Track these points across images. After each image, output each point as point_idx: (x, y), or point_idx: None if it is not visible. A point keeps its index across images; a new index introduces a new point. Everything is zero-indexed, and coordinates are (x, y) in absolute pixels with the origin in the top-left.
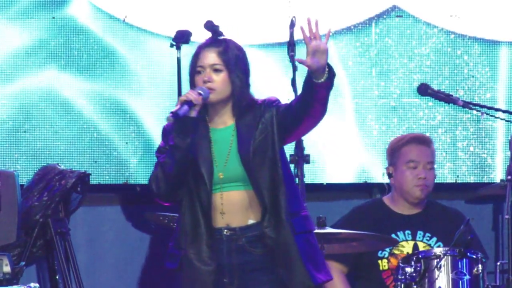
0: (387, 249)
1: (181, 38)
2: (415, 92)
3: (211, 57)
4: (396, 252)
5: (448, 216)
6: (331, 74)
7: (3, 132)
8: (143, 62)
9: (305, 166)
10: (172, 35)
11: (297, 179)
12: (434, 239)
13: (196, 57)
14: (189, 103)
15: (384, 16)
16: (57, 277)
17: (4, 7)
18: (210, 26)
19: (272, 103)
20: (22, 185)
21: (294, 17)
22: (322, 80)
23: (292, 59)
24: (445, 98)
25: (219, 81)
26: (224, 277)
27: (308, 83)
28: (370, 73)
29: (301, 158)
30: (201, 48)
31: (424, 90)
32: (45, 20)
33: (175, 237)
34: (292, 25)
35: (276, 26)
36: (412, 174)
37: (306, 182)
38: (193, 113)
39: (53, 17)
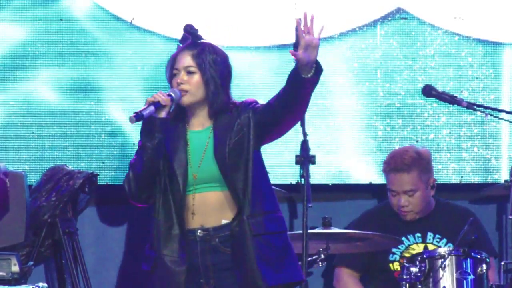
0: (398, 252)
1: (188, 39)
2: (419, 94)
3: (185, 60)
4: (406, 255)
5: (457, 215)
6: (319, 69)
7: (11, 133)
8: (150, 63)
9: (311, 166)
10: (179, 36)
11: (302, 179)
12: (444, 240)
13: (172, 60)
14: (156, 104)
15: (389, 18)
16: (65, 277)
17: (13, 8)
18: (188, 29)
19: (248, 105)
20: (30, 186)
21: (299, 19)
22: (309, 75)
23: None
24: (450, 99)
25: (192, 83)
26: (200, 278)
27: (294, 77)
28: (375, 74)
29: (307, 159)
30: (178, 52)
31: (428, 91)
32: (53, 22)
33: (150, 239)
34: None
35: (282, 28)
36: (394, 200)
37: (311, 182)
38: (162, 114)
39: (61, 19)
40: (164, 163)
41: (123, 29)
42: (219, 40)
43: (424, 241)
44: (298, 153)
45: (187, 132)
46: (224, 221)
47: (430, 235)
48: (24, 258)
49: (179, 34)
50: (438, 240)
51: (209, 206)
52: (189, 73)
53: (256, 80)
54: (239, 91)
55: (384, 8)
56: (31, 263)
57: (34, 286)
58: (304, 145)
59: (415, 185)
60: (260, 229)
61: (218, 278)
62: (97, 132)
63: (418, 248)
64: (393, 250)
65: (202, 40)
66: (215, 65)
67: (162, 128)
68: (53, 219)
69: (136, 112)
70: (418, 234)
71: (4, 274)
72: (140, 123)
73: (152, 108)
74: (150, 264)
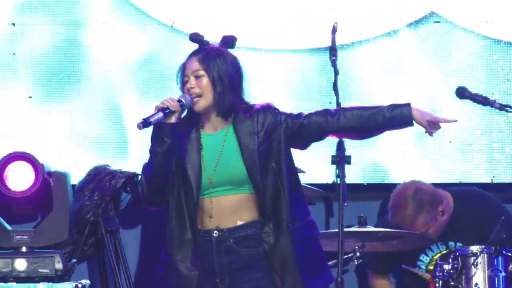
0: (423, 266)
1: (227, 43)
2: (453, 95)
3: (192, 65)
4: (431, 268)
5: (477, 219)
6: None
7: (56, 134)
8: None
9: (346, 166)
10: (218, 40)
11: (338, 179)
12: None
13: (182, 68)
14: (165, 110)
15: (423, 22)
16: (107, 274)
17: (55, 13)
18: (194, 36)
19: (269, 109)
20: (73, 185)
21: (336, 23)
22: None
23: (333, 63)
24: (482, 101)
25: (202, 86)
26: (215, 277)
27: (391, 124)
28: (409, 76)
29: (343, 159)
30: (186, 59)
31: (462, 93)
32: (94, 25)
33: (164, 244)
34: (334, 30)
35: (318, 31)
36: None
37: (347, 182)
38: (172, 119)
39: (103, 23)
40: (177, 168)
41: (163, 33)
42: (255, 43)
43: (447, 249)
44: (334, 154)
45: (201, 136)
46: (239, 222)
47: (451, 244)
48: (67, 256)
49: (217, 37)
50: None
51: (226, 209)
52: (198, 77)
53: (288, 83)
54: (275, 94)
55: (418, 12)
56: (74, 260)
57: (77, 283)
58: (340, 145)
59: (425, 227)
60: (301, 235)
61: (232, 278)
62: (138, 134)
63: None
64: (418, 263)
65: (209, 45)
66: (221, 66)
67: (171, 134)
68: (96, 218)
69: (143, 119)
70: (441, 243)
71: (48, 271)
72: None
73: (160, 114)
74: (164, 268)
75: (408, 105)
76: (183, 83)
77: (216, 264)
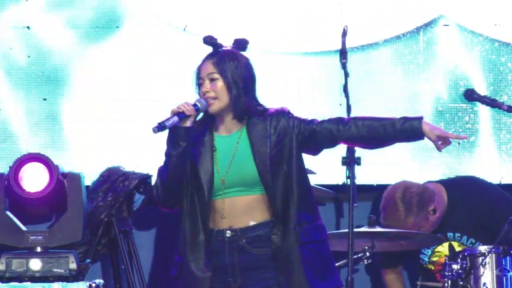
0: (426, 258)
1: (239, 46)
2: (461, 97)
3: (207, 68)
4: (434, 259)
5: (472, 206)
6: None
7: (70, 135)
8: None
9: (356, 167)
10: (230, 43)
11: (348, 180)
12: (465, 237)
13: (198, 71)
14: (181, 115)
15: (432, 25)
16: (121, 274)
17: (70, 16)
18: (208, 40)
19: (283, 113)
20: (87, 186)
21: (346, 26)
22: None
23: (344, 66)
24: (490, 102)
25: (216, 90)
26: (228, 277)
27: (401, 136)
28: (418, 79)
29: (353, 160)
30: (201, 62)
31: (470, 95)
32: (108, 29)
33: (177, 245)
34: (344, 34)
35: (329, 34)
36: None
37: (357, 183)
38: (187, 123)
39: (117, 26)
40: (191, 170)
41: (176, 36)
42: (266, 46)
43: (446, 239)
44: (344, 155)
45: (214, 138)
46: (252, 223)
47: (450, 235)
48: (81, 256)
49: (229, 41)
50: (459, 237)
51: (238, 209)
52: (212, 80)
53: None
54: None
55: (427, 16)
56: (88, 260)
57: (91, 283)
58: (350, 147)
59: (416, 227)
60: (307, 237)
61: (244, 278)
62: (151, 136)
63: (443, 248)
64: (421, 256)
65: (223, 48)
66: (236, 69)
67: (186, 137)
68: (109, 218)
69: (159, 123)
70: (439, 234)
71: (63, 271)
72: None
73: (175, 118)
74: (176, 270)
75: (419, 118)
76: (199, 86)
77: (228, 264)
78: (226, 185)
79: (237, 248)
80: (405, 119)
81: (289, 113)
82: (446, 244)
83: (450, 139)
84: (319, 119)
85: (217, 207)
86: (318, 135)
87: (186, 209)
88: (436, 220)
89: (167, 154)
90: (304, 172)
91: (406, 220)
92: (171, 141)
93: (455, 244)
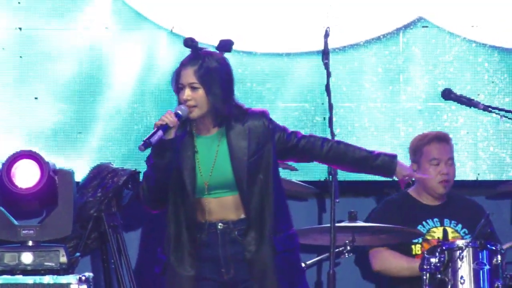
0: (420, 238)
1: (224, 46)
2: (439, 97)
3: (188, 76)
4: (428, 237)
5: (469, 205)
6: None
7: (61, 133)
8: None
9: None
10: (215, 44)
11: (330, 176)
12: (460, 225)
13: (177, 75)
14: (164, 127)
15: (411, 27)
16: (110, 267)
17: (58, 17)
18: (189, 42)
19: (264, 118)
20: (77, 182)
21: (328, 27)
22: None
23: (326, 66)
24: (467, 102)
25: (197, 98)
26: (221, 267)
27: (373, 172)
28: (398, 79)
29: None
30: (181, 66)
31: (447, 94)
32: (98, 30)
33: (162, 243)
34: (326, 35)
35: (311, 35)
36: (435, 171)
37: (339, 179)
38: (171, 134)
39: (106, 27)
40: (174, 172)
41: (164, 37)
42: (251, 46)
43: (442, 225)
44: None
45: (195, 138)
46: (243, 216)
47: (447, 221)
48: (71, 250)
49: (215, 41)
50: (454, 224)
51: (226, 207)
52: (193, 88)
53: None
54: (263, 94)
55: (406, 17)
56: (78, 254)
57: (80, 276)
58: None
59: (453, 154)
60: (282, 246)
61: (236, 268)
62: (140, 132)
63: (438, 231)
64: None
65: (204, 51)
66: (216, 78)
67: (171, 148)
68: (99, 213)
69: (144, 141)
70: (436, 219)
71: (53, 264)
72: None
73: (160, 132)
74: (160, 268)
75: (394, 158)
76: (178, 89)
77: (221, 255)
78: (209, 187)
79: (229, 240)
80: (380, 158)
81: (270, 119)
82: (441, 228)
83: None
84: (302, 133)
85: (204, 205)
86: (297, 151)
87: (170, 209)
88: (453, 175)
89: (153, 165)
90: (279, 181)
91: (450, 140)
92: (156, 153)
93: (449, 230)
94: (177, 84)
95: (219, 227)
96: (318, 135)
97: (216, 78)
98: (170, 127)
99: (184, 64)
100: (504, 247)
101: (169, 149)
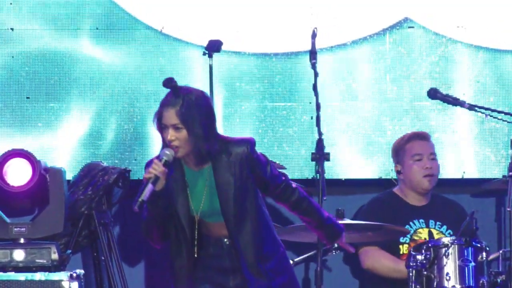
0: (408, 235)
1: (213, 47)
2: (425, 96)
3: (170, 117)
4: (415, 238)
5: (451, 206)
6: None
7: (52, 133)
8: (178, 69)
9: (326, 163)
10: (205, 44)
11: (318, 175)
12: (445, 227)
13: (159, 114)
14: (154, 179)
15: (397, 27)
16: (100, 264)
17: (51, 18)
18: (168, 83)
19: (248, 148)
20: (68, 181)
21: (315, 28)
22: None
23: (313, 66)
24: (453, 101)
25: (182, 139)
26: (229, 274)
27: (321, 234)
28: (384, 78)
29: (322, 156)
30: (163, 107)
31: (433, 94)
32: (91, 30)
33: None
34: (314, 35)
35: (299, 36)
36: (419, 166)
37: (326, 177)
38: (162, 183)
39: (97, 28)
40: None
41: (154, 37)
42: (240, 46)
43: (427, 226)
44: (314, 151)
45: (185, 172)
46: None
47: (431, 222)
48: (63, 247)
49: (204, 41)
50: (439, 226)
51: (225, 230)
52: (177, 128)
53: (269, 84)
54: (251, 93)
55: (393, 18)
56: (69, 251)
57: (72, 273)
58: (320, 143)
59: (434, 150)
60: (275, 272)
61: (243, 278)
62: (129, 131)
63: (424, 232)
64: (401, 237)
65: (183, 88)
66: (197, 115)
67: (163, 195)
68: (90, 211)
69: (137, 201)
70: (422, 220)
71: (45, 261)
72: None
73: (150, 186)
74: None
75: (340, 232)
76: (161, 129)
77: (228, 266)
78: (204, 218)
79: (236, 253)
80: (331, 227)
81: (253, 149)
82: (426, 229)
83: None
84: (283, 177)
85: (205, 229)
86: (269, 193)
87: (171, 242)
88: (437, 170)
89: (149, 212)
90: (263, 207)
91: (430, 138)
92: (150, 203)
93: (434, 231)
94: (160, 124)
95: (225, 241)
96: (297, 189)
97: (196, 117)
98: (159, 177)
99: (165, 104)
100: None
101: (161, 197)
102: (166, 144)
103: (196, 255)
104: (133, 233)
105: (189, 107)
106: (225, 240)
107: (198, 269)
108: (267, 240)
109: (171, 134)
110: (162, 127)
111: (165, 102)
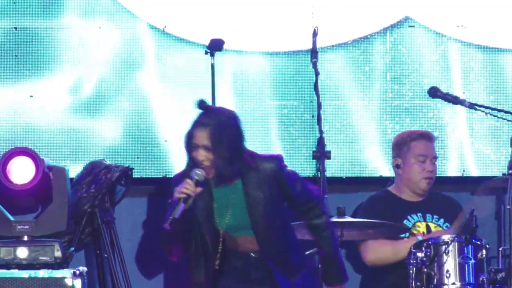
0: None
1: (215, 46)
2: (425, 95)
3: (202, 138)
4: (414, 232)
5: (448, 201)
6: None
7: (56, 131)
8: (180, 67)
9: (326, 161)
10: (207, 43)
11: (319, 173)
12: (442, 220)
13: (190, 134)
14: (186, 199)
15: (398, 26)
16: (103, 261)
17: (52, 17)
18: (201, 104)
19: (277, 165)
20: (71, 179)
21: (316, 27)
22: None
23: (314, 65)
24: (453, 100)
25: (211, 159)
26: (256, 284)
27: (323, 270)
28: (385, 77)
29: (323, 154)
30: (194, 127)
31: (434, 92)
32: (91, 29)
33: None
34: (314, 34)
35: (300, 35)
36: (421, 167)
37: (327, 176)
38: (191, 200)
39: (99, 27)
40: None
41: (156, 36)
42: (241, 45)
43: (425, 220)
44: (315, 149)
45: (211, 185)
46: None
47: (429, 216)
48: (66, 245)
49: (206, 40)
50: (436, 219)
51: (251, 243)
52: (207, 149)
53: (272, 84)
54: (254, 94)
55: (393, 17)
56: (73, 249)
57: (75, 270)
58: (321, 141)
59: (436, 155)
60: (307, 280)
61: (270, 286)
62: (132, 130)
63: (422, 226)
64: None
65: (214, 109)
66: (228, 139)
67: (190, 211)
68: (93, 209)
69: (169, 219)
70: (420, 214)
71: (48, 259)
72: (178, 123)
73: (182, 206)
74: None
75: (343, 281)
76: (191, 149)
77: (255, 278)
78: (230, 232)
79: (262, 267)
80: (336, 269)
81: (282, 167)
82: (424, 223)
83: None
84: (312, 195)
85: (230, 243)
86: (295, 208)
87: (192, 256)
88: (435, 174)
89: (173, 229)
90: (289, 218)
91: (434, 139)
92: (179, 222)
93: (432, 225)
94: (190, 144)
95: (252, 255)
96: (325, 215)
97: (225, 140)
98: (192, 196)
99: (198, 124)
100: None
101: (188, 213)
102: (194, 163)
103: (217, 267)
104: (136, 230)
105: (220, 129)
106: (252, 254)
107: (220, 279)
108: (296, 252)
109: (201, 154)
110: (192, 147)
111: (197, 122)
